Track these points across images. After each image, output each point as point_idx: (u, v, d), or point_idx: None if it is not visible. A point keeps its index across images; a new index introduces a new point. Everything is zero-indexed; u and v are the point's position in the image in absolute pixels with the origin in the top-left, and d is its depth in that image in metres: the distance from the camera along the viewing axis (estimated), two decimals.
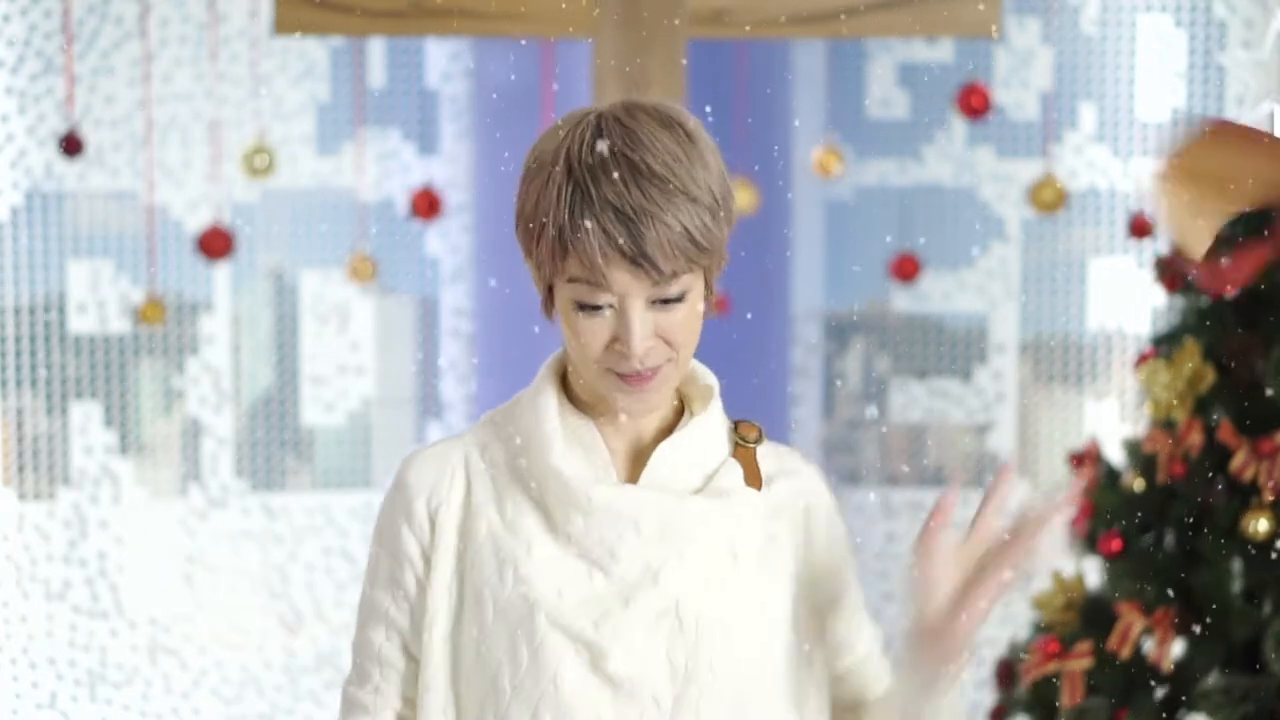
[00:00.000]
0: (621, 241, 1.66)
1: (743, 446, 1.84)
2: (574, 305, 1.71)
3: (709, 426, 1.82)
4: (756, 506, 1.81)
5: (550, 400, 1.81)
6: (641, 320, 1.70)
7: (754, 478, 1.82)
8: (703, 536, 1.76)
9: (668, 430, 1.82)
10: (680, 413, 1.84)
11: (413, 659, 1.84)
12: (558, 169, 1.69)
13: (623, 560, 1.75)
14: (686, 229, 1.68)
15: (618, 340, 1.71)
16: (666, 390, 1.77)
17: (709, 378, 1.86)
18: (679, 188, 1.68)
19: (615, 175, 1.67)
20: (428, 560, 1.81)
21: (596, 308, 1.71)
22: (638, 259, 1.67)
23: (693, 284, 1.72)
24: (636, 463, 1.81)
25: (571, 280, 1.70)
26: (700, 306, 1.75)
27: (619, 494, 1.75)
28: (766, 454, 1.85)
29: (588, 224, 1.67)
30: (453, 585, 1.81)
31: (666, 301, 1.71)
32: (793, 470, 1.86)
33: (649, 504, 1.75)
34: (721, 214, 1.72)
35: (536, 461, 1.78)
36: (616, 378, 1.73)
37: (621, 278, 1.68)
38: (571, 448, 1.79)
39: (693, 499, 1.77)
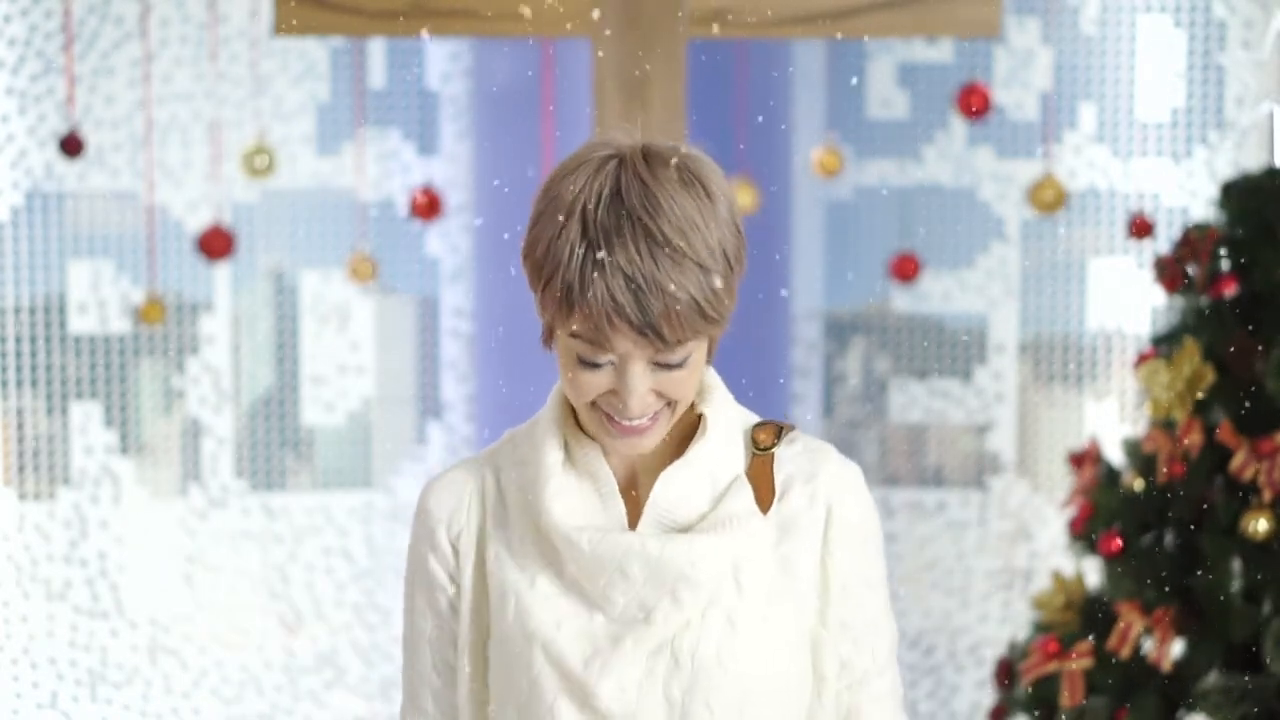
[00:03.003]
0: (629, 310, 1.65)
1: (758, 455, 1.81)
2: (574, 358, 1.71)
3: (716, 446, 1.79)
4: (765, 532, 1.77)
5: (553, 429, 1.79)
6: (641, 379, 1.70)
7: (766, 493, 1.78)
8: (700, 573, 1.73)
9: (681, 446, 1.79)
10: (696, 426, 1.81)
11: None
12: (572, 223, 1.67)
13: (617, 602, 1.74)
14: (695, 301, 1.66)
15: (613, 395, 1.71)
16: (660, 432, 1.75)
17: (717, 390, 1.83)
18: (693, 258, 1.66)
19: (629, 240, 1.65)
20: (456, 585, 1.82)
21: (597, 364, 1.70)
22: (644, 329, 1.65)
23: (696, 347, 1.71)
24: (648, 484, 1.79)
25: (574, 335, 1.69)
26: (702, 364, 1.75)
27: (603, 540, 1.74)
28: (792, 455, 1.82)
29: (597, 290, 1.65)
30: (473, 612, 1.82)
31: (669, 366, 1.70)
32: (813, 472, 1.81)
33: (634, 551, 1.73)
34: (733, 274, 1.71)
35: (537, 495, 1.78)
36: (610, 424, 1.73)
37: (625, 343, 1.67)
38: (581, 478, 1.78)
39: (686, 539, 1.74)
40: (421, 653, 1.86)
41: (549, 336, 1.76)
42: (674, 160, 1.70)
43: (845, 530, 1.80)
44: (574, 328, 1.68)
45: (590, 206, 1.67)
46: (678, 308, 1.66)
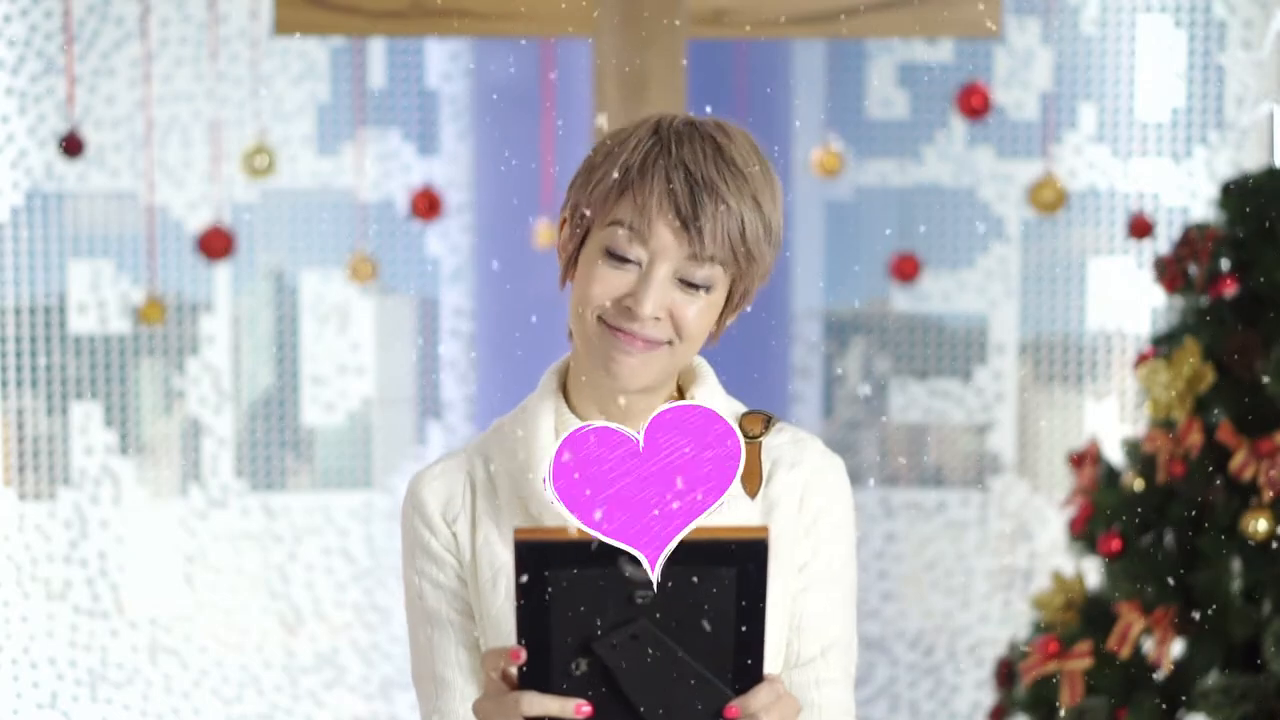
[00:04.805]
0: (681, 199, 1.68)
1: (747, 442, 1.81)
2: (603, 251, 1.72)
3: None
4: (751, 515, 1.79)
5: (548, 412, 1.80)
6: (662, 286, 1.70)
7: (753, 478, 1.80)
8: None
9: None
10: None
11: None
12: (643, 129, 1.73)
13: None
14: (743, 221, 1.70)
15: (629, 297, 1.71)
16: (658, 370, 1.75)
17: (708, 377, 1.84)
18: (751, 189, 1.71)
19: (698, 148, 1.70)
20: (460, 562, 1.82)
21: (625, 260, 1.71)
22: (688, 222, 1.68)
23: (719, 283, 1.73)
24: None
25: (614, 224, 1.71)
26: (716, 313, 1.75)
27: None
28: (779, 444, 1.83)
29: (656, 174, 1.69)
30: (468, 594, 1.82)
31: (692, 285, 1.71)
32: (798, 460, 1.83)
33: None
34: (771, 241, 1.74)
35: (527, 479, 1.79)
36: (613, 335, 1.72)
37: (664, 235, 1.69)
38: None
39: None
40: (443, 635, 1.82)
41: (573, 259, 1.76)
42: (746, 131, 1.77)
43: (819, 518, 1.82)
44: (616, 215, 1.71)
45: (665, 121, 1.74)
46: (726, 219, 1.69)
